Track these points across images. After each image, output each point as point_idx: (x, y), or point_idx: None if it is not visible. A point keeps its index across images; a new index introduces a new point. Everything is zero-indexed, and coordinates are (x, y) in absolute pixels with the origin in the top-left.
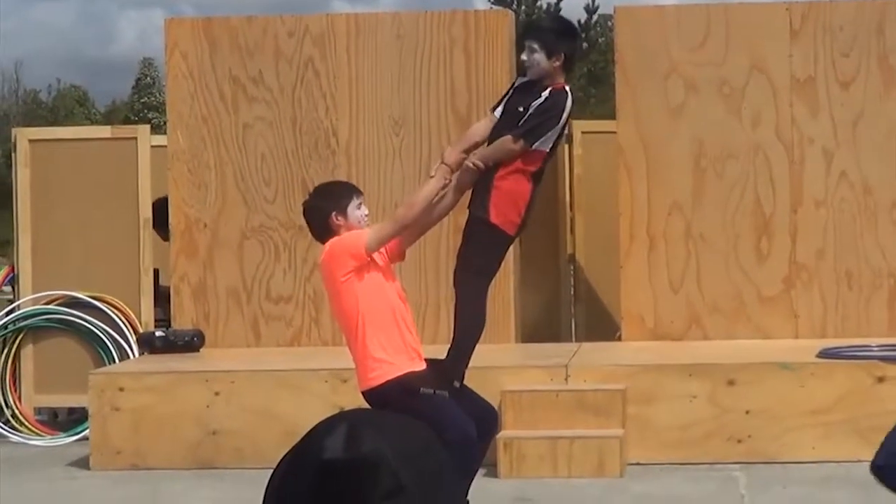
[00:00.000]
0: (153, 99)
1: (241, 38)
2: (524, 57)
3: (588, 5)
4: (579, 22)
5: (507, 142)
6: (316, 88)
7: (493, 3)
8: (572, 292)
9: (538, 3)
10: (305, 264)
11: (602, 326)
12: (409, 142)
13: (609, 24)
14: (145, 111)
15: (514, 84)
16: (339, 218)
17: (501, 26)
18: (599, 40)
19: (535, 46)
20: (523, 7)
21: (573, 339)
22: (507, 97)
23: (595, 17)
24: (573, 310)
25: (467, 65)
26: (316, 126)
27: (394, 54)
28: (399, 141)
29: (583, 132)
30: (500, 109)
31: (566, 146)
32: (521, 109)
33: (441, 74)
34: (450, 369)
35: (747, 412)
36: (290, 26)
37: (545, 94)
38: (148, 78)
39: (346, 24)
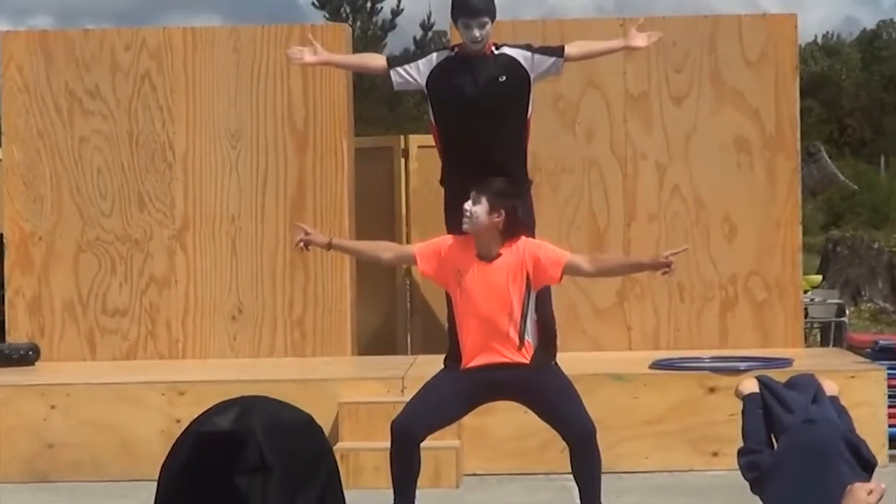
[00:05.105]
0: None
1: (78, 50)
2: (476, 33)
3: (424, 22)
4: (415, 38)
5: None
6: (153, 101)
7: (328, 18)
8: (408, 306)
9: (374, 19)
10: (141, 277)
11: (437, 339)
12: (245, 154)
13: (444, 40)
14: None
15: (432, 57)
16: None
17: (339, 40)
18: None
19: (487, 20)
20: (358, 23)
21: (409, 351)
22: (432, 71)
23: (430, 34)
24: (409, 323)
25: (304, 79)
26: (152, 139)
27: (231, 68)
28: (236, 154)
29: (419, 146)
30: (407, 72)
31: (402, 160)
32: (502, 79)
33: (278, 88)
34: None
35: None
36: (126, 39)
37: (520, 50)
38: None
39: (183, 38)
